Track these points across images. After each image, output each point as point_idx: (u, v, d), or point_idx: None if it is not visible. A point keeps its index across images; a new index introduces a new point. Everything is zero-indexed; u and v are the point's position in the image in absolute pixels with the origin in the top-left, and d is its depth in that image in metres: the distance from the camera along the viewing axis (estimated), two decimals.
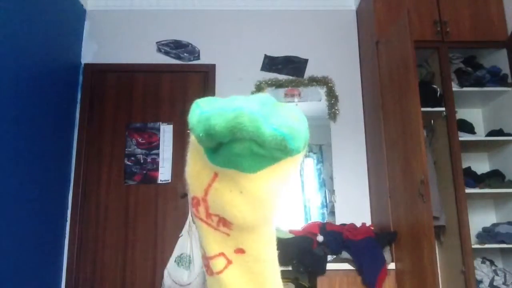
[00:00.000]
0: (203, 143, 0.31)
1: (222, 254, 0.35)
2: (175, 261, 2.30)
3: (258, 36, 3.45)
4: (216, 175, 0.32)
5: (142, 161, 3.18)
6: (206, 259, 0.36)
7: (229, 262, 0.35)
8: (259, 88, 3.29)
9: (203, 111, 0.29)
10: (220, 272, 0.35)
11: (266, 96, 0.31)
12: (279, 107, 0.30)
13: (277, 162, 0.31)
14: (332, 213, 3.16)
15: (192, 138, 0.33)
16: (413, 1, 3.00)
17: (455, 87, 2.93)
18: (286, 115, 0.29)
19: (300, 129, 0.29)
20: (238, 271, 0.35)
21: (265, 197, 0.32)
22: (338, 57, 3.42)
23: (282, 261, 2.54)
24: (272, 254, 0.37)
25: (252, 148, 0.29)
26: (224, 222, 0.34)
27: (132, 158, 3.19)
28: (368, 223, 3.02)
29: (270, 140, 0.28)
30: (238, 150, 0.29)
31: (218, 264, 0.35)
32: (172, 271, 2.29)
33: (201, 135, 0.29)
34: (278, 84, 3.32)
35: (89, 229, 3.07)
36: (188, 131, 0.33)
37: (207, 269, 0.36)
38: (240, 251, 0.35)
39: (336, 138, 3.26)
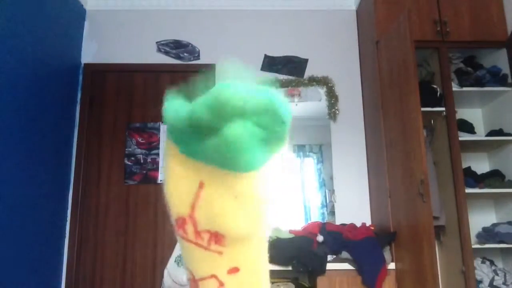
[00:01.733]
0: (184, 131, 0.29)
1: (213, 276, 0.32)
2: (175, 261, 2.30)
3: (258, 36, 3.44)
4: (202, 184, 0.30)
5: (142, 161, 3.18)
6: (195, 282, 0.32)
7: (221, 284, 0.32)
8: None
9: (182, 102, 0.28)
10: None
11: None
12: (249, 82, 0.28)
13: (273, 152, 0.29)
14: (332, 213, 3.16)
15: (167, 144, 0.31)
16: (413, 1, 3.00)
17: (455, 87, 2.92)
18: (260, 86, 0.28)
19: (279, 96, 0.27)
20: None
21: (262, 198, 0.30)
22: (338, 57, 3.41)
23: (282, 261, 2.54)
24: (265, 264, 0.35)
25: (249, 130, 0.27)
26: (216, 238, 0.31)
27: (132, 158, 3.19)
28: (368, 223, 3.02)
29: (259, 105, 0.26)
30: (233, 136, 0.26)
31: (209, 286, 0.32)
32: (172, 271, 2.29)
33: (181, 122, 0.28)
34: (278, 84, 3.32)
35: (89, 229, 3.07)
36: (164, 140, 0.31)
37: None
38: (234, 270, 0.32)
39: (336, 138, 3.26)
